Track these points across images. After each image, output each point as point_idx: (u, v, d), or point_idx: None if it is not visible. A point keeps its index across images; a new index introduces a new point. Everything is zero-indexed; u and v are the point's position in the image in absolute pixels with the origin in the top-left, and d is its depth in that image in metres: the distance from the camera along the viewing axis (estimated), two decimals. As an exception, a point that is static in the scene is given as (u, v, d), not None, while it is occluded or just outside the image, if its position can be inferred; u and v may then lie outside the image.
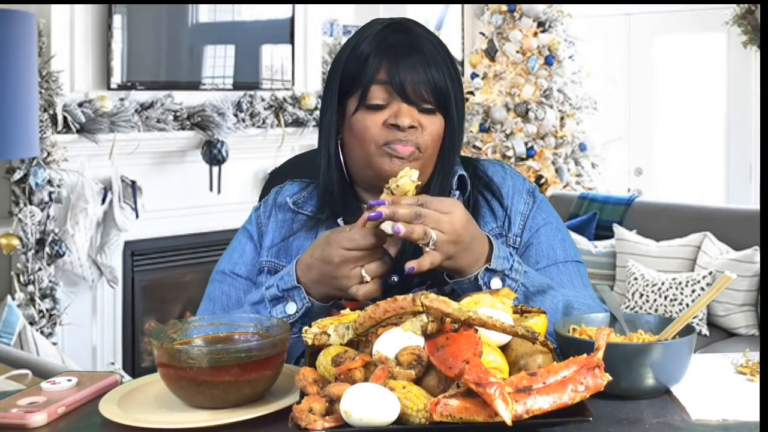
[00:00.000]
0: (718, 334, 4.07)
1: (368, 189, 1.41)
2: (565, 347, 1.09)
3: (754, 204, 5.37)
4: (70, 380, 1.16)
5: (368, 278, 1.22)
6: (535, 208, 1.43)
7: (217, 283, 1.46)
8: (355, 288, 1.22)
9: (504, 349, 1.03)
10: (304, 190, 1.48)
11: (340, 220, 1.39)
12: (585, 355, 0.95)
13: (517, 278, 1.26)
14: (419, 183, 1.23)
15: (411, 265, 1.18)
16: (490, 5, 5.80)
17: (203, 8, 4.41)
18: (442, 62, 1.35)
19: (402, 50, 1.33)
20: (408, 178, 1.22)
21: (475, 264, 1.24)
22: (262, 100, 4.58)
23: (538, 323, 1.11)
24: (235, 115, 4.40)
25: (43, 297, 3.74)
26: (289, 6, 4.70)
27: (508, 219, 1.41)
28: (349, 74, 1.36)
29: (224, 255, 1.49)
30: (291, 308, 1.27)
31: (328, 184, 1.41)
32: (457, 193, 1.41)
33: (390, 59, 1.33)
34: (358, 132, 1.35)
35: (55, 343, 3.70)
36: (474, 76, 5.86)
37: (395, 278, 1.34)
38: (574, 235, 4.64)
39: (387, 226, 1.18)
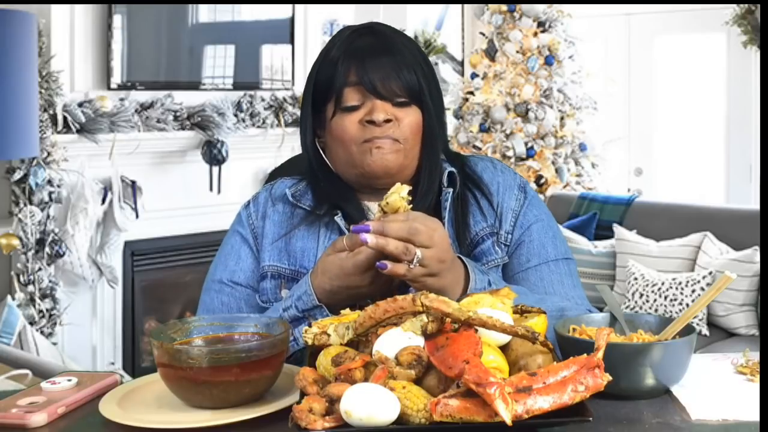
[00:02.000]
0: (718, 334, 4.07)
1: (359, 189, 1.42)
2: (565, 347, 1.09)
3: (754, 204, 5.37)
4: (70, 380, 1.16)
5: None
6: (527, 204, 1.43)
7: (214, 293, 1.43)
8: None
9: (504, 349, 1.03)
10: (299, 183, 1.47)
11: (337, 218, 1.38)
12: (585, 355, 0.95)
13: None
14: (410, 198, 1.22)
15: (385, 262, 1.18)
16: (490, 5, 5.80)
17: (203, 8, 4.41)
18: (412, 59, 1.37)
19: (369, 52, 1.35)
20: (398, 194, 1.21)
21: (457, 285, 1.24)
22: (262, 100, 4.58)
23: (538, 323, 1.11)
24: (235, 115, 4.40)
25: (43, 297, 3.73)
26: (289, 6, 4.70)
27: (499, 217, 1.41)
28: (323, 80, 1.38)
29: (217, 261, 1.46)
30: None
31: (317, 183, 1.43)
32: (450, 190, 1.40)
33: (357, 61, 1.35)
34: (338, 135, 1.36)
35: (55, 343, 3.69)
36: (474, 76, 5.86)
37: None
38: (575, 236, 4.64)
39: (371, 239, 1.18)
